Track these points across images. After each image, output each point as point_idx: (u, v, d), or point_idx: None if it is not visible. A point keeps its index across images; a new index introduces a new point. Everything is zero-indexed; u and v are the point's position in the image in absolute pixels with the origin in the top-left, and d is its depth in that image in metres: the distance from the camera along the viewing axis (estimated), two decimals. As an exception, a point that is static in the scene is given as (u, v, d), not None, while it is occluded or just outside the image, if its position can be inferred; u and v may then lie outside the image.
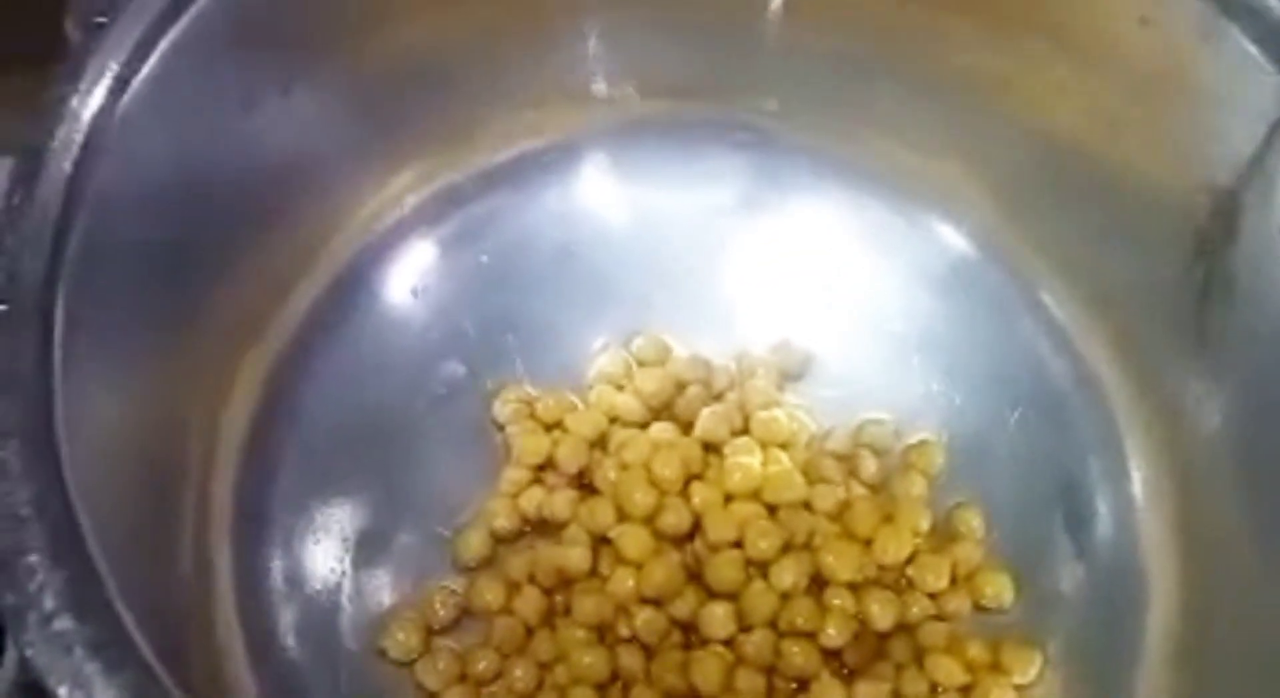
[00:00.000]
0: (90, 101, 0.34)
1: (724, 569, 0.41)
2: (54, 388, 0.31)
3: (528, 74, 0.44)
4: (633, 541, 0.41)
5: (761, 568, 0.41)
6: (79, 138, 0.34)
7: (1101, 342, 0.43)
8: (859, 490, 0.43)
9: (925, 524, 0.42)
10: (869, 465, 0.43)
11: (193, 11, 0.36)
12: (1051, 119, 0.42)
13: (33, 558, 0.29)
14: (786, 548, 0.41)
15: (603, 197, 0.47)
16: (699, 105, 0.46)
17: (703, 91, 0.45)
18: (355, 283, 0.45)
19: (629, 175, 0.47)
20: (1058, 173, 0.42)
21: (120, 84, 0.35)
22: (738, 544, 0.41)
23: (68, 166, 0.33)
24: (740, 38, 0.43)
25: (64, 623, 0.28)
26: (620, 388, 0.45)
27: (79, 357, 0.32)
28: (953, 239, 0.46)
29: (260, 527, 0.41)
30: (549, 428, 0.44)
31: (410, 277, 0.46)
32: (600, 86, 0.45)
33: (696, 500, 0.42)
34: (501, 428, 0.45)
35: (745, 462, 0.42)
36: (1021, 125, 0.43)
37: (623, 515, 0.42)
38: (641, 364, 0.45)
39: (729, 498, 0.42)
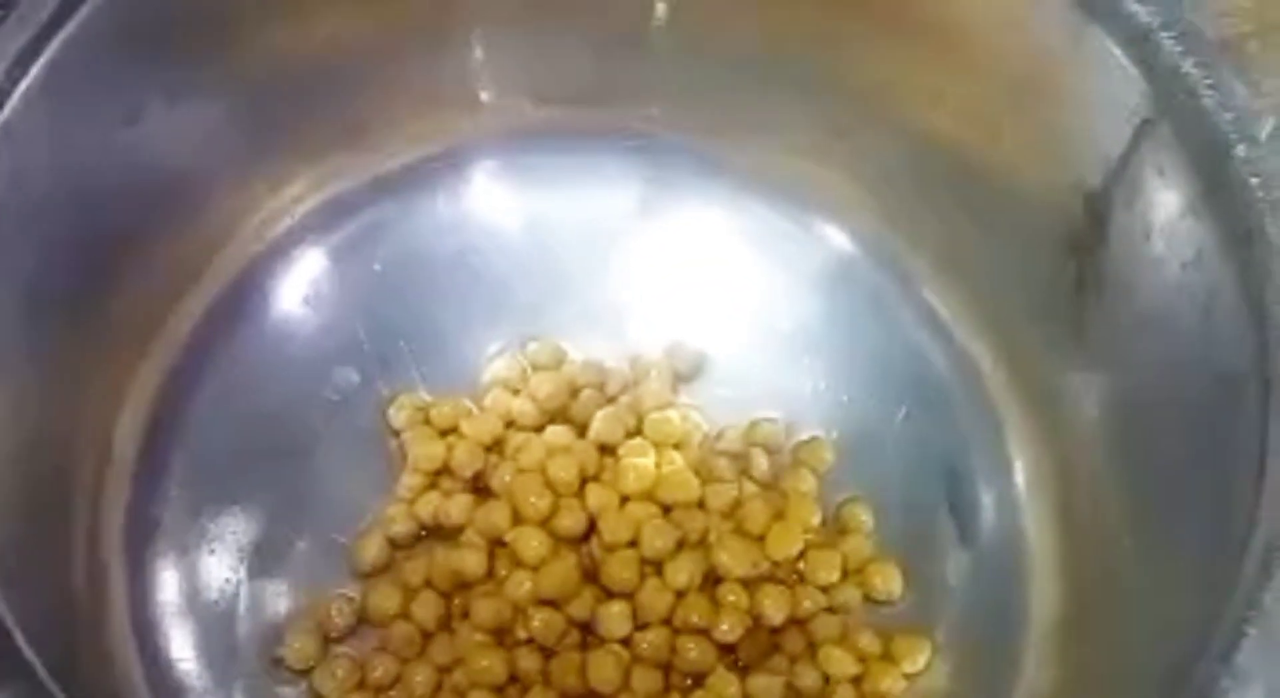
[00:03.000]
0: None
1: (620, 569, 0.41)
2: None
3: (417, 82, 0.45)
4: (529, 543, 0.41)
5: (656, 567, 0.41)
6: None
7: (982, 337, 0.44)
8: (751, 489, 0.44)
9: (816, 520, 0.43)
10: (761, 464, 0.44)
11: (77, 20, 0.36)
12: (930, 121, 0.43)
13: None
14: (681, 546, 0.42)
15: (494, 203, 0.47)
16: (588, 112, 0.46)
17: (591, 98, 0.46)
18: (246, 292, 0.45)
19: (520, 182, 0.47)
20: (937, 174, 0.44)
21: (1, 95, 0.34)
22: (633, 544, 0.42)
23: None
24: (627, 45, 0.44)
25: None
26: (515, 392, 0.45)
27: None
28: (836, 239, 0.47)
29: (153, 538, 0.41)
30: (444, 433, 0.44)
31: (302, 285, 0.46)
32: (489, 94, 0.46)
33: (592, 502, 0.42)
34: (397, 434, 0.45)
35: (639, 463, 0.43)
36: (901, 127, 0.44)
37: (519, 519, 0.42)
38: (536, 369, 0.46)
39: (624, 499, 0.43)
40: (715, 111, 0.45)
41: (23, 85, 0.35)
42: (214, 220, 0.44)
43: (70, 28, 0.36)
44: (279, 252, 0.45)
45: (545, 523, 0.42)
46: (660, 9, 0.43)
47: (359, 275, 0.46)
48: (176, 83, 0.40)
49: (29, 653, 0.29)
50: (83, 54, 0.36)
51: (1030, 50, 0.39)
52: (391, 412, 0.45)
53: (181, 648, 0.40)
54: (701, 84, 0.45)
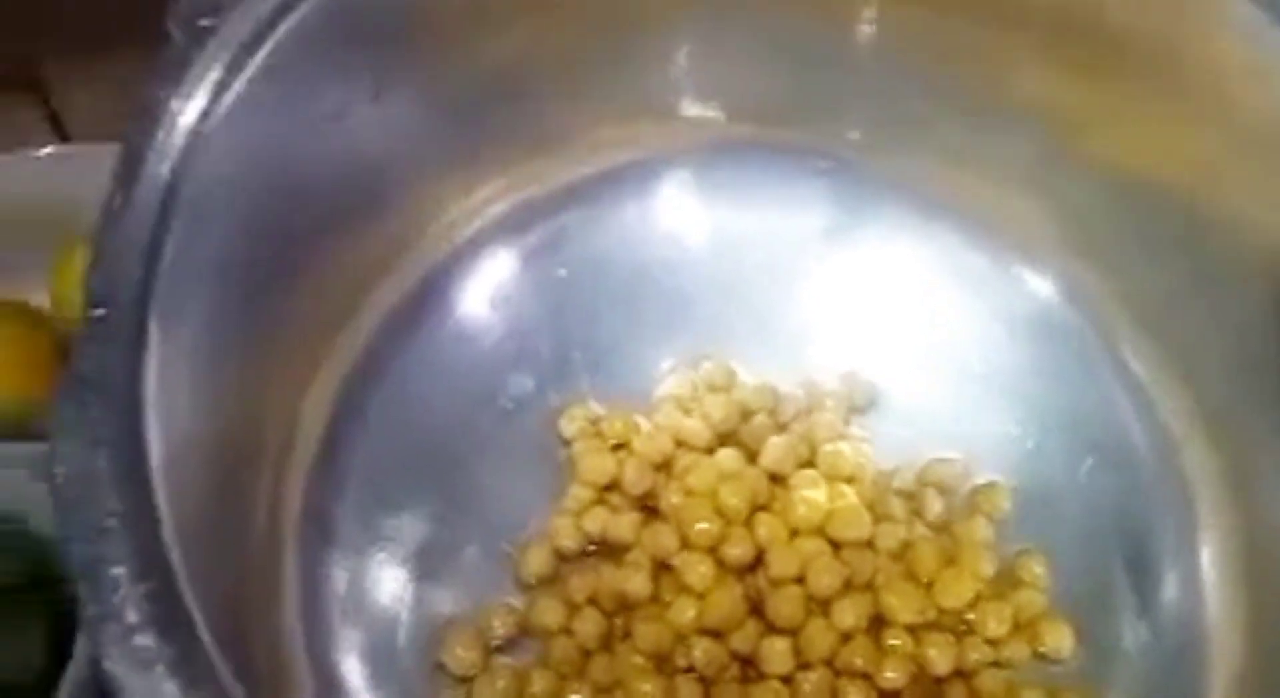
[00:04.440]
0: (190, 106, 0.34)
1: (786, 605, 0.40)
2: (144, 394, 0.31)
3: (616, 90, 0.44)
4: (696, 569, 0.41)
5: (823, 605, 0.41)
6: (178, 142, 0.33)
7: (1181, 399, 0.43)
8: (922, 531, 0.43)
9: (988, 569, 0.42)
10: (934, 505, 0.43)
11: (293, 19, 0.36)
12: (1146, 163, 0.41)
13: (117, 570, 0.29)
14: (848, 586, 0.41)
15: (681, 217, 0.47)
16: (784, 131, 0.45)
17: (789, 117, 0.45)
18: (431, 291, 0.45)
19: (709, 197, 0.46)
20: (1149, 220, 0.42)
21: (220, 89, 0.34)
22: (800, 579, 0.41)
23: (165, 171, 0.33)
24: (830, 65, 0.43)
25: (145, 639, 0.28)
26: (687, 412, 0.45)
27: (167, 362, 0.32)
28: (1034, 281, 0.45)
29: (327, 533, 0.41)
30: (615, 448, 0.44)
31: (486, 287, 0.46)
32: (687, 106, 0.45)
33: (761, 532, 0.42)
34: (567, 445, 0.44)
35: (811, 496, 0.42)
36: (1114, 167, 0.42)
37: (686, 543, 0.42)
38: (709, 389, 0.45)
39: (793, 532, 0.42)
40: (915, 138, 0.44)
41: (243, 76, 0.35)
42: (405, 219, 0.44)
43: (286, 26, 0.36)
44: (466, 253, 0.45)
45: (712, 549, 0.41)
46: (865, 31, 0.41)
47: (542, 281, 0.46)
48: (383, 82, 0.40)
49: (216, 659, 0.29)
50: (297, 52, 0.36)
51: (1270, 102, 0.37)
52: (563, 422, 0.44)
53: (344, 646, 0.40)
54: (901, 109, 0.44)
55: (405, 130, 0.41)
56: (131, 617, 0.28)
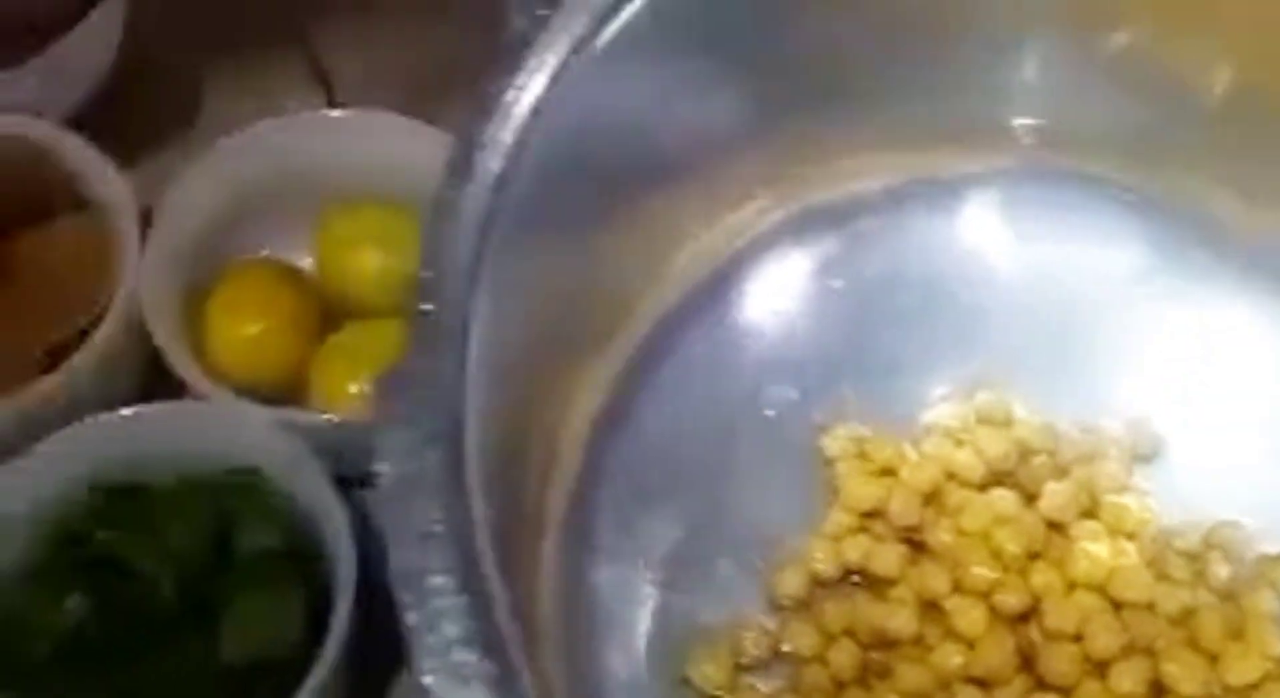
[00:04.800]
0: (524, 98, 0.33)
1: (1061, 662, 0.39)
2: (466, 396, 0.30)
3: (940, 97, 0.42)
4: (968, 615, 0.39)
5: (1099, 667, 0.39)
6: (510, 135, 0.32)
7: None
8: (1206, 597, 0.40)
9: (1278, 647, 0.40)
10: (1220, 571, 0.41)
11: (626, 13, 0.35)
12: None
13: (439, 580, 0.28)
14: (1128, 649, 0.39)
15: (977, 238, 0.45)
16: (1104, 163, 0.43)
17: (1113, 151, 0.43)
18: (705, 295, 0.44)
19: (1010, 220, 0.45)
20: None
21: (553, 81, 0.33)
22: (1077, 637, 0.39)
23: (497, 163, 0.32)
24: (1174, 112, 0.40)
25: (464, 654, 0.27)
26: (958, 443, 0.43)
27: (484, 359, 0.31)
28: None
29: (585, 540, 0.40)
30: (880, 473, 0.42)
31: (760, 293, 0.44)
32: (1014, 122, 0.43)
33: (1037, 582, 0.40)
34: (828, 463, 0.43)
35: (1092, 549, 0.40)
36: None
37: (958, 585, 0.40)
38: (982, 421, 0.43)
39: (1071, 585, 0.40)
40: (1245, 192, 0.42)
41: (572, 72, 0.34)
42: (691, 217, 0.42)
43: (619, 20, 0.35)
44: (748, 255, 0.44)
45: (986, 595, 0.40)
46: (1219, 89, 0.39)
47: (818, 290, 0.45)
48: (699, 77, 0.38)
49: (525, 678, 0.28)
50: (627, 46, 0.35)
51: None
52: (827, 440, 0.43)
53: (596, 654, 0.39)
54: (1240, 166, 0.41)
55: (710, 127, 0.40)
56: (451, 630, 0.27)
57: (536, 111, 0.33)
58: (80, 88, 0.50)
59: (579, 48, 0.34)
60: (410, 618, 0.28)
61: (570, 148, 0.35)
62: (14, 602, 0.40)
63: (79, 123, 0.48)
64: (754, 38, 0.39)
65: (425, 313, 0.30)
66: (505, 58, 0.33)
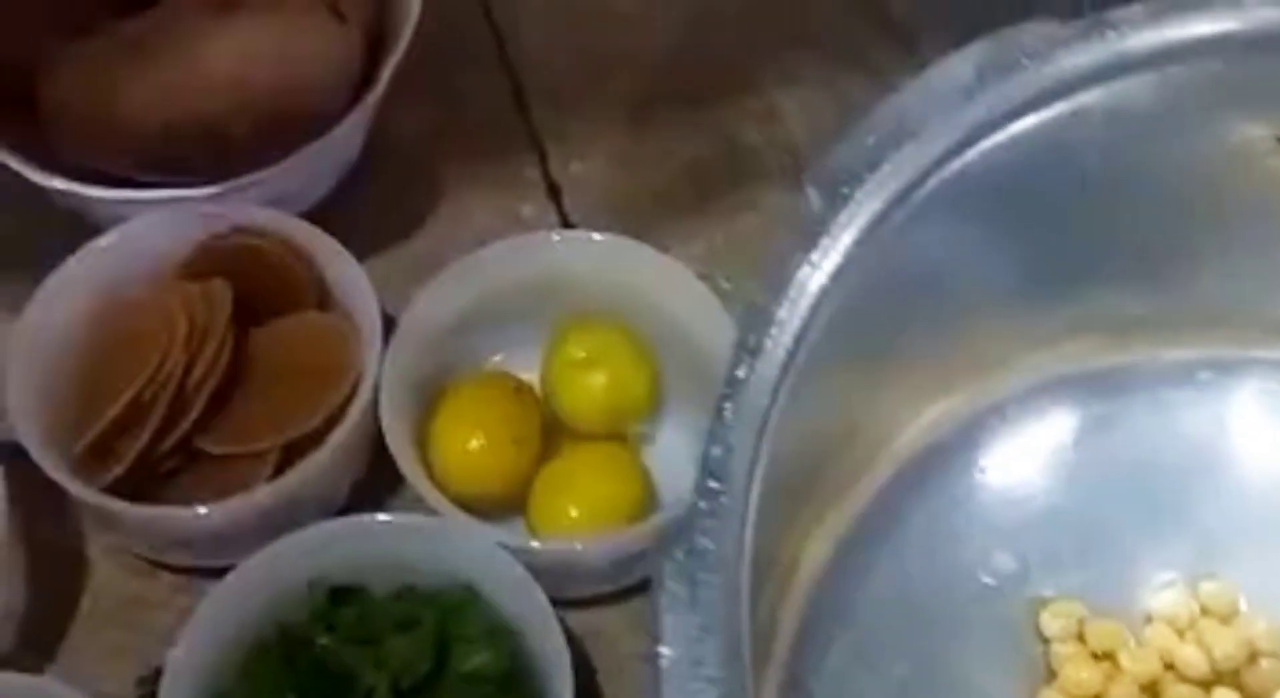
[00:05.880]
0: (818, 276, 0.33)
1: None
2: (743, 577, 0.30)
3: (1215, 284, 0.42)
4: (1185, 822, 0.38)
5: None
6: (802, 316, 0.33)
7: None
8: None
9: None
10: None
11: (923, 192, 0.35)
12: None
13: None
14: None
15: (1244, 432, 0.44)
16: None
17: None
18: (953, 448, 0.44)
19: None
20: None
21: (849, 261, 0.33)
22: None
23: (788, 343, 0.32)
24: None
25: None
26: (1180, 634, 0.42)
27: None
28: None
29: (802, 685, 0.40)
30: (1098, 657, 0.42)
31: (1006, 455, 0.44)
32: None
33: (1257, 790, 0.39)
34: (1045, 641, 0.42)
35: (1319, 763, 0.39)
36: None
37: (1176, 785, 0.39)
38: (1206, 613, 0.42)
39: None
40: None
41: (865, 251, 0.34)
42: (954, 372, 0.42)
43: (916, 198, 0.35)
44: (995, 419, 0.44)
45: (1207, 804, 0.39)
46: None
47: (1047, 459, 0.44)
48: (988, 241, 0.39)
49: None
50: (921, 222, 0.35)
51: None
52: (1045, 617, 0.42)
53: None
54: None
55: (993, 284, 0.40)
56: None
57: (826, 291, 0.33)
58: (325, 185, 0.51)
59: (874, 228, 0.34)
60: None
61: (851, 321, 0.35)
62: (232, 696, 0.41)
63: (319, 219, 0.49)
64: (1054, 214, 0.39)
65: (712, 492, 0.30)
66: (803, 231, 0.33)
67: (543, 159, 0.56)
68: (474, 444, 0.45)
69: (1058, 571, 0.43)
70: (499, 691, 0.41)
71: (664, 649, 0.29)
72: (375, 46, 0.50)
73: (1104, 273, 0.41)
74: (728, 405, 0.31)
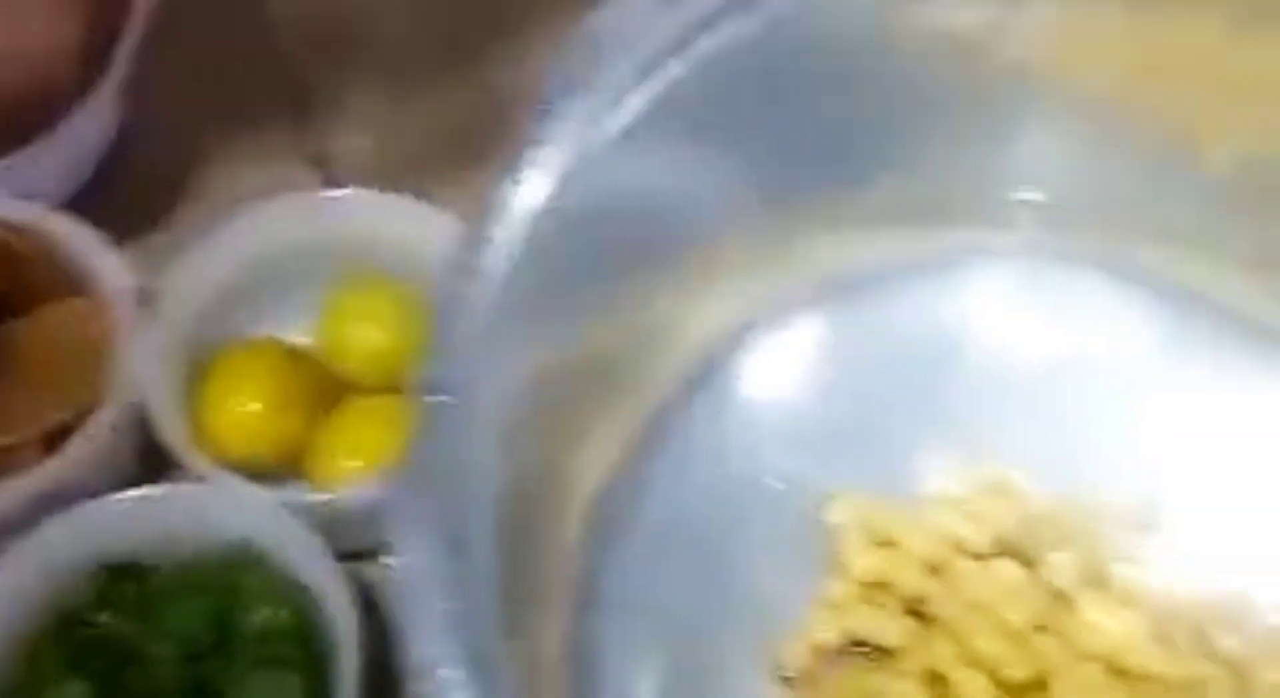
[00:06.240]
0: (532, 192, 0.34)
1: (1068, 734, 0.39)
2: (474, 482, 0.30)
3: (942, 173, 0.43)
4: (975, 688, 0.39)
5: (1109, 741, 0.39)
6: (517, 230, 0.33)
7: None
8: (1213, 669, 0.40)
9: (1288, 720, 0.40)
10: (1227, 642, 0.41)
11: (630, 105, 0.35)
12: None
13: (451, 673, 0.28)
14: (1137, 724, 0.39)
15: (986, 317, 0.45)
16: (1116, 243, 0.44)
17: (1118, 225, 0.43)
18: (714, 366, 0.44)
19: (1018, 299, 0.45)
20: None
21: (562, 177, 0.34)
22: (1086, 709, 0.39)
23: (504, 260, 0.33)
24: (1186, 178, 0.41)
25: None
26: (962, 514, 0.43)
27: (492, 445, 0.32)
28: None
29: (593, 596, 0.40)
30: (883, 544, 0.43)
31: (767, 366, 0.45)
32: (1015, 197, 0.44)
33: (1043, 653, 0.40)
34: (831, 534, 0.43)
35: (1098, 620, 0.40)
36: None
37: (963, 657, 0.40)
38: (987, 493, 0.43)
39: (1077, 656, 0.40)
40: (1257, 256, 0.42)
41: (583, 171, 0.34)
42: (696, 295, 0.43)
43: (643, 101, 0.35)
44: (750, 334, 0.44)
45: (991, 667, 0.40)
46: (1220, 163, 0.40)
47: (809, 364, 0.45)
48: (708, 158, 0.39)
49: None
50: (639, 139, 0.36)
51: None
52: (828, 510, 0.43)
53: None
54: (1254, 227, 0.41)
55: (719, 202, 0.40)
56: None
57: (544, 207, 0.33)
58: (77, 170, 0.50)
59: (585, 143, 0.34)
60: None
61: (578, 239, 0.35)
62: (16, 687, 0.40)
63: (73, 204, 0.48)
64: (759, 122, 0.39)
65: (436, 407, 0.30)
66: (512, 153, 0.33)
67: (309, 125, 0.55)
68: (242, 408, 0.45)
69: (838, 468, 0.44)
70: (292, 646, 0.40)
71: (397, 563, 0.29)
72: (113, 29, 0.49)
73: (833, 176, 0.41)
74: (446, 322, 0.31)
